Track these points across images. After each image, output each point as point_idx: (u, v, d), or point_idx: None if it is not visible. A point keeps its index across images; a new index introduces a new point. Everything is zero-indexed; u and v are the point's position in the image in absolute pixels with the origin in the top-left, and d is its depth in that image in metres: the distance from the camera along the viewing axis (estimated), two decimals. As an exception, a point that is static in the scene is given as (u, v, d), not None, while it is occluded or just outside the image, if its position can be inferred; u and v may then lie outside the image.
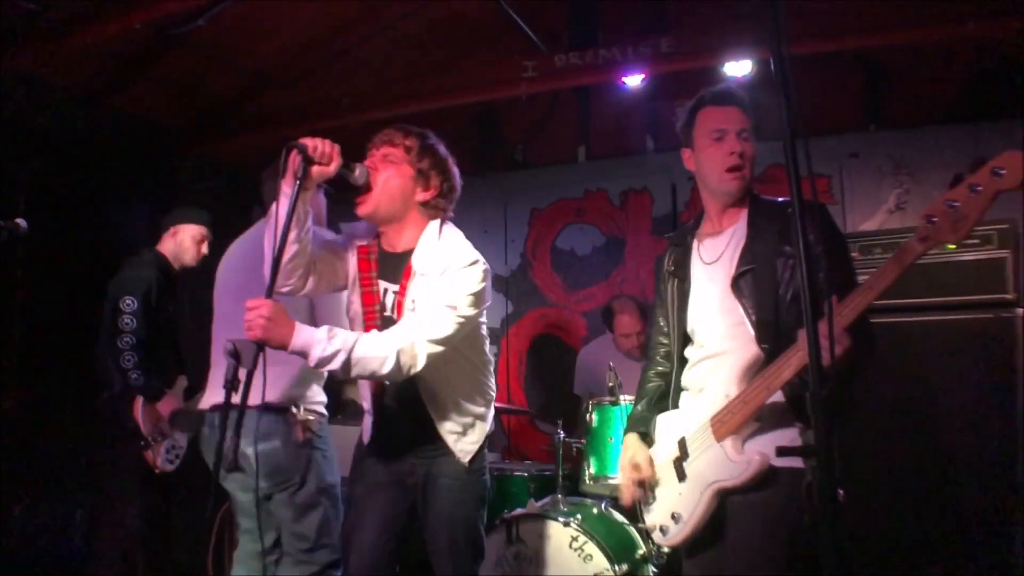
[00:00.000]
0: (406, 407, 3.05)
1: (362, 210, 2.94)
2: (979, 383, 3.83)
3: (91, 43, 4.95)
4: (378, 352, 2.73)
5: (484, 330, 3.18)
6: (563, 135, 6.93)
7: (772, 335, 2.47)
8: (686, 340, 2.78)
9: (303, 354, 2.66)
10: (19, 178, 4.96)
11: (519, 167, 7.14)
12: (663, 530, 2.65)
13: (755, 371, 2.45)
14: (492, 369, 3.27)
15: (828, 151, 6.05)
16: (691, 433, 2.58)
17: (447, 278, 2.85)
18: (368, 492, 3.17)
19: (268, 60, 5.78)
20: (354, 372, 2.73)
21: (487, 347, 3.22)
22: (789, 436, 2.46)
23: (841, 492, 2.49)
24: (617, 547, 4.00)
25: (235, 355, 2.57)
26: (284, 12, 5.22)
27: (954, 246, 1.99)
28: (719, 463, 2.46)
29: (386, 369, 2.73)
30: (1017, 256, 3.91)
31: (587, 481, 4.21)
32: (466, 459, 3.06)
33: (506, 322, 7.03)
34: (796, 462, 2.37)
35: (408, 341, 2.76)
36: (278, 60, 5.80)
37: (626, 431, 2.91)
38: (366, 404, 3.19)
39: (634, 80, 5.66)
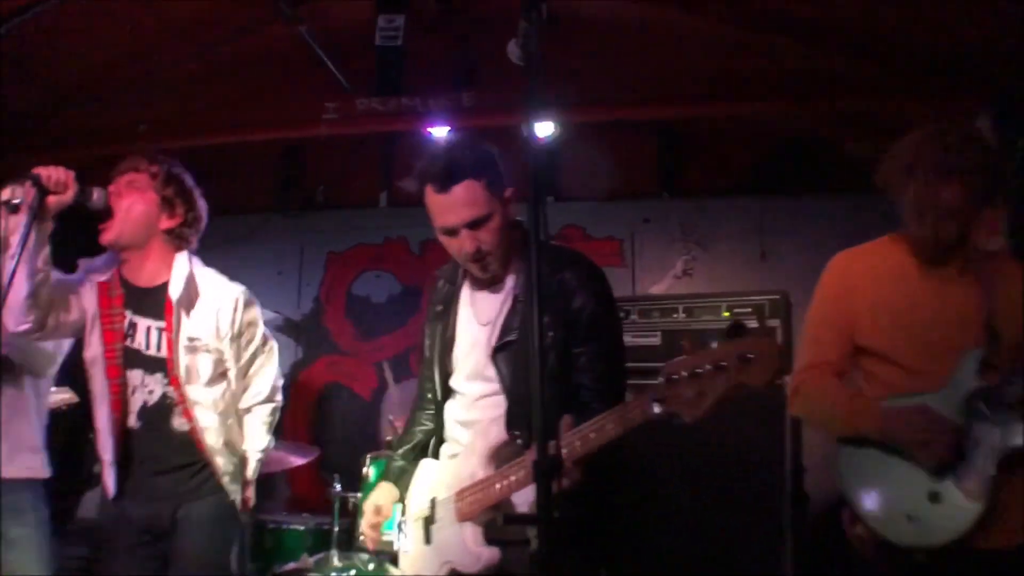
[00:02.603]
0: (166, 448, 2.93)
1: (106, 237, 2.87)
2: (752, 439, 4.05)
3: None
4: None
5: None
6: (366, 179, 6.81)
7: (523, 423, 2.26)
8: (449, 390, 2.59)
9: None
10: None
11: (318, 208, 6.95)
12: None
13: (504, 457, 2.30)
14: None
15: (621, 215, 6.26)
16: (441, 498, 2.46)
17: (240, 320, 3.03)
18: (123, 555, 2.95)
19: (71, 77, 5.42)
20: None
21: None
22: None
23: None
24: (390, 604, 3.89)
25: None
26: (91, 29, 4.91)
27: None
28: (456, 544, 2.35)
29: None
30: (787, 326, 4.12)
31: (362, 536, 4.09)
32: (237, 499, 3.00)
33: (295, 368, 6.76)
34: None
35: (272, 408, 3.21)
36: (81, 78, 5.45)
37: (380, 478, 2.78)
38: (107, 456, 2.96)
39: (439, 131, 5.64)
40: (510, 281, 2.47)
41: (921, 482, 2.39)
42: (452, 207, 2.30)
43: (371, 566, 4.14)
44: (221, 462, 2.96)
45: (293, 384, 6.71)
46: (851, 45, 4.72)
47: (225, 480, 2.97)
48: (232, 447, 3.03)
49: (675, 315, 4.23)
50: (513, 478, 2.19)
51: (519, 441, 2.27)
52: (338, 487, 4.34)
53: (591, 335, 2.32)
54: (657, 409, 1.87)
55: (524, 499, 2.25)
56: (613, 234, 6.33)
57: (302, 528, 4.67)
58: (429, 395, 2.69)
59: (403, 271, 6.65)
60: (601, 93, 5.23)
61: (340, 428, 6.52)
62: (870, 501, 2.46)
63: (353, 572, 4.01)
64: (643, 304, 4.27)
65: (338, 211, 6.95)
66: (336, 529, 4.28)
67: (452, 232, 2.34)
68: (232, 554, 3.03)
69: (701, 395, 1.78)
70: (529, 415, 2.19)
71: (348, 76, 5.44)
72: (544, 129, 5.76)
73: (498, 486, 2.23)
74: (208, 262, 3.22)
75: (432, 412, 2.70)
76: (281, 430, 6.58)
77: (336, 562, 4.13)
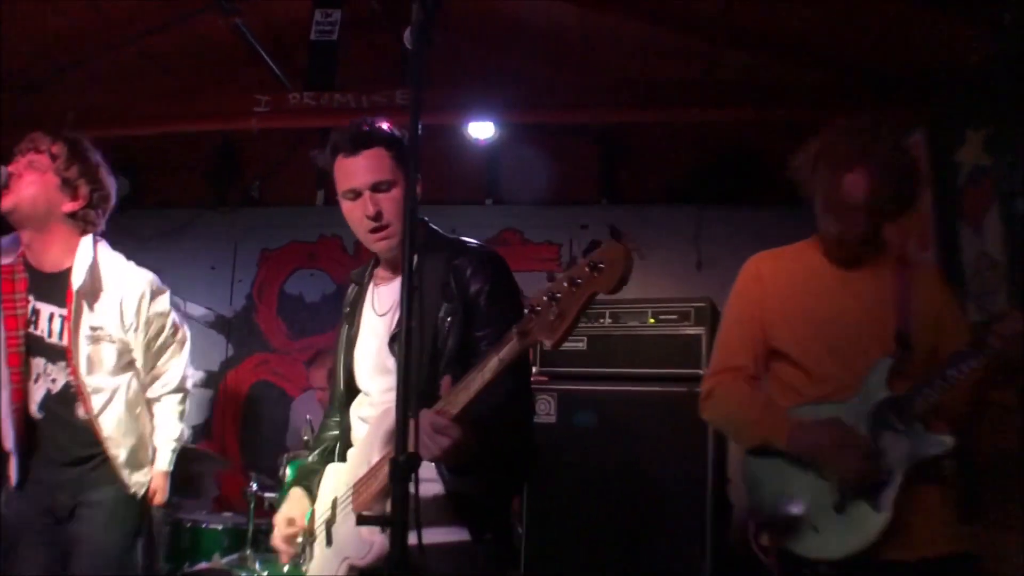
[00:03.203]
0: (68, 438, 2.91)
1: (3, 203, 2.78)
2: (675, 447, 4.03)
3: None
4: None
5: None
6: (303, 176, 6.70)
7: (415, 405, 2.15)
8: (353, 391, 2.54)
9: None
10: None
11: (253, 204, 6.85)
12: None
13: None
14: None
15: (560, 220, 6.25)
16: (341, 495, 2.38)
17: (147, 311, 2.97)
18: (27, 544, 2.90)
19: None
20: None
21: None
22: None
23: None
24: (303, 606, 3.80)
25: None
26: (21, 15, 4.79)
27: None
28: (353, 537, 2.26)
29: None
30: (713, 333, 4.10)
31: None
32: (141, 491, 2.98)
33: (225, 365, 6.65)
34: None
35: (181, 396, 3.18)
36: (9, 64, 5.28)
37: (293, 483, 2.67)
38: (9, 445, 2.90)
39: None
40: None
41: (827, 492, 2.36)
42: (358, 170, 2.31)
43: (286, 567, 4.05)
44: (121, 453, 2.91)
45: (222, 382, 6.62)
46: (792, 55, 4.74)
47: (124, 472, 2.92)
48: (136, 438, 2.97)
49: (601, 320, 4.21)
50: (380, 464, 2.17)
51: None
52: (254, 486, 4.25)
53: (490, 319, 2.29)
54: (519, 342, 1.84)
55: (428, 474, 2.20)
56: (551, 239, 6.33)
57: (219, 528, 4.56)
58: (336, 399, 2.65)
59: (337, 270, 6.55)
60: (540, 96, 5.20)
61: (269, 427, 6.40)
62: (775, 511, 2.43)
63: (266, 573, 3.91)
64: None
65: (273, 208, 6.87)
66: (252, 528, 4.18)
67: (356, 194, 2.32)
68: (136, 547, 2.97)
69: (560, 316, 1.74)
70: (418, 394, 2.12)
71: (286, 71, 5.35)
72: (483, 131, 5.75)
73: (385, 468, 2.17)
74: (140, 255, 3.15)
75: (339, 417, 2.65)
76: (209, 428, 6.54)
77: (250, 563, 4.03)
